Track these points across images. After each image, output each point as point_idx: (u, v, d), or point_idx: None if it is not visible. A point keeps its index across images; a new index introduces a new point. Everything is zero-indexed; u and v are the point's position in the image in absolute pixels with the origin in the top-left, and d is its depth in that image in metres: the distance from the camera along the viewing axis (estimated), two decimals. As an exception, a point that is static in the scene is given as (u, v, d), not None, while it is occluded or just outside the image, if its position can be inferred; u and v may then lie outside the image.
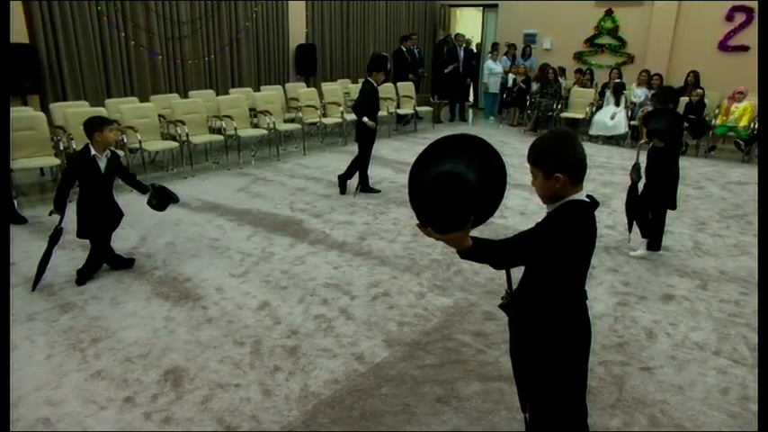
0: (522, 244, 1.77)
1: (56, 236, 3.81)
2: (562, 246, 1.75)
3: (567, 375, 1.93)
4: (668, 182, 4.45)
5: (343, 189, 6.22)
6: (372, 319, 3.52)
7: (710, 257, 4.60)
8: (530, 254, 1.79)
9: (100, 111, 6.42)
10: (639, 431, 2.57)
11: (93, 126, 3.74)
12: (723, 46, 9.74)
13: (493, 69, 11.23)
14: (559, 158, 1.74)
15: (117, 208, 4.02)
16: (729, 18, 9.61)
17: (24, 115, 5.92)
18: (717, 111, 8.66)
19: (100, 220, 3.91)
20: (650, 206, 4.56)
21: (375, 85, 5.89)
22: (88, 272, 3.97)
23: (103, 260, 4.07)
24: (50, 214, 3.81)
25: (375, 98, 6.01)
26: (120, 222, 4.06)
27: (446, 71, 10.74)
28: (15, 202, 5.31)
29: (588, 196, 1.80)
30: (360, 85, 9.95)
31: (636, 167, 4.51)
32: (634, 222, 4.63)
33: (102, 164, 3.80)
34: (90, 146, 3.76)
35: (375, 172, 7.17)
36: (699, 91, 8.58)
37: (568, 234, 1.75)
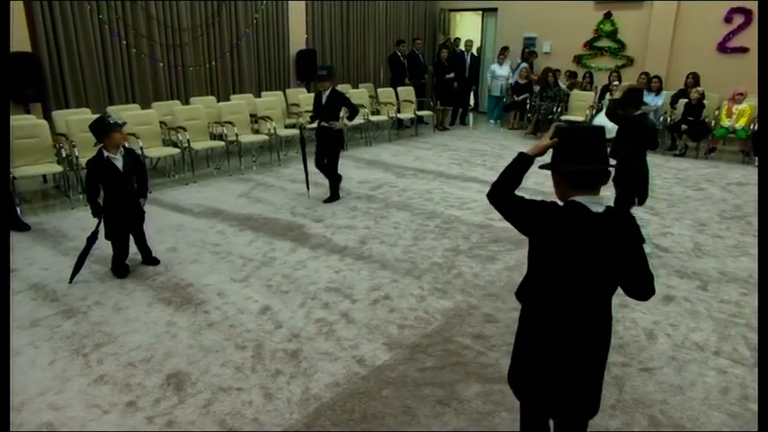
0: (519, 199, 1.88)
1: (92, 237, 4.03)
2: (542, 209, 1.81)
3: (524, 371, 1.99)
4: (637, 183, 4.56)
5: (335, 195, 6.19)
6: (373, 323, 3.53)
7: (711, 258, 4.60)
8: (514, 208, 1.88)
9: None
10: (639, 431, 2.58)
11: (98, 133, 3.84)
12: (722, 48, 9.76)
13: (495, 72, 11.28)
14: (559, 152, 1.84)
15: (139, 207, 4.15)
16: (728, 20, 9.64)
17: (27, 123, 5.97)
18: (717, 112, 8.68)
19: (124, 221, 4.04)
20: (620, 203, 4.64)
21: (320, 90, 5.96)
22: (118, 264, 4.15)
23: (124, 256, 4.16)
24: (94, 216, 4.02)
25: (316, 103, 6.03)
26: (141, 222, 4.21)
27: (447, 77, 10.75)
28: (18, 209, 5.34)
29: (609, 207, 1.80)
30: (360, 90, 10.09)
31: None
32: None
33: (120, 163, 3.89)
34: (102, 149, 3.86)
35: (375, 176, 7.22)
36: (699, 89, 8.59)
37: (547, 208, 1.81)
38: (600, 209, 1.79)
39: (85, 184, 4.01)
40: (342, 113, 5.87)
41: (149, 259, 4.36)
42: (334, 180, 6.16)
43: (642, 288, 1.83)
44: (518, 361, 2.01)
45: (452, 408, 2.73)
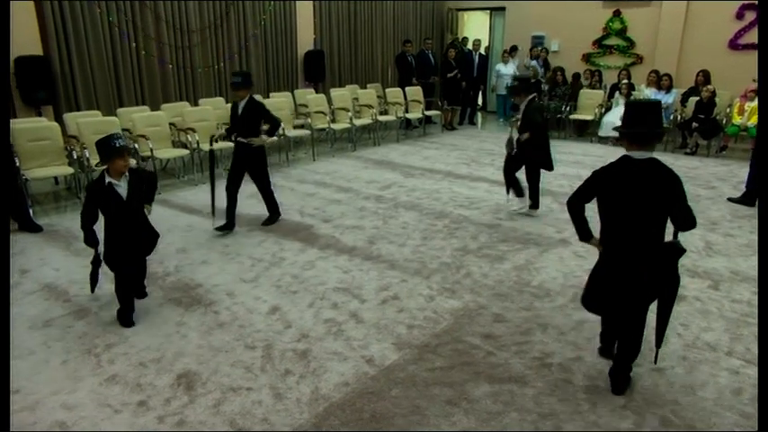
0: (584, 195, 2.78)
1: (96, 261, 3.55)
2: (592, 179, 2.71)
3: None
4: (537, 165, 5.41)
5: (275, 215, 5.46)
6: (382, 323, 3.53)
7: (722, 257, 4.56)
8: (589, 199, 2.78)
9: (112, 120, 6.53)
10: (650, 431, 2.57)
11: (102, 154, 3.32)
12: (733, 44, 9.68)
13: (500, 71, 11.24)
14: (623, 122, 2.62)
15: (149, 232, 3.60)
16: (739, 16, 9.55)
17: (39, 125, 6.03)
18: (728, 110, 8.60)
19: (128, 249, 3.49)
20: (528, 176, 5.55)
21: (236, 101, 5.10)
22: (123, 309, 3.56)
23: (130, 290, 3.59)
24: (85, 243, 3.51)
25: (232, 115, 5.17)
26: (153, 247, 3.68)
27: (449, 76, 10.72)
28: (31, 210, 5.40)
29: (650, 158, 2.53)
30: (367, 91, 10.08)
31: (509, 141, 5.53)
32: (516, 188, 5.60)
33: (123, 190, 3.37)
34: (105, 172, 3.37)
35: (384, 176, 7.22)
36: (710, 87, 8.52)
37: (594, 174, 2.70)
38: (642, 157, 2.53)
39: (82, 208, 3.44)
40: (262, 127, 5.15)
41: (139, 292, 3.75)
42: (271, 201, 5.41)
43: (684, 220, 2.57)
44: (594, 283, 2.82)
45: (462, 408, 2.72)
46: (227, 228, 5.15)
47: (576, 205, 2.78)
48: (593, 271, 2.83)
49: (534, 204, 5.58)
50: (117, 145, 3.31)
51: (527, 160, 5.43)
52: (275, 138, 5.27)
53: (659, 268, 2.60)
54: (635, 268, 2.60)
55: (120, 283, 3.53)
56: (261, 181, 5.29)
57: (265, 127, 5.16)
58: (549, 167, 5.45)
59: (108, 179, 3.35)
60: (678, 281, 2.65)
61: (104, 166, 3.36)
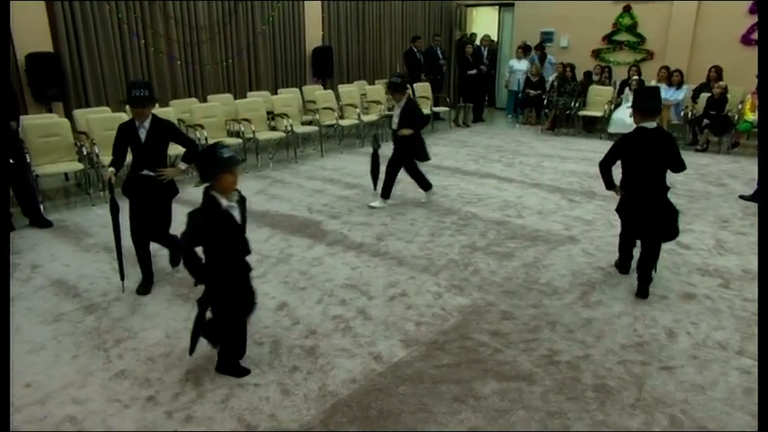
0: (613, 158, 3.84)
1: (205, 301, 2.80)
2: (617, 147, 3.77)
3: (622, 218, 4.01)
4: (412, 156, 5.76)
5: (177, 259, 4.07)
6: (390, 319, 3.53)
7: (733, 255, 4.51)
8: (615, 161, 3.83)
9: (121, 117, 6.55)
10: (660, 431, 2.55)
11: (207, 169, 2.61)
12: (746, 40, 9.55)
13: (513, 67, 11.20)
14: (636, 101, 3.70)
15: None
16: (753, 11, 9.42)
17: (49, 122, 6.07)
18: (740, 106, 8.50)
19: (242, 291, 2.86)
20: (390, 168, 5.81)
21: (132, 120, 3.80)
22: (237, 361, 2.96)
23: (242, 349, 2.99)
24: (195, 285, 2.80)
25: (124, 139, 3.78)
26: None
27: (469, 73, 10.68)
28: (41, 206, 5.44)
29: (657, 127, 3.61)
30: (375, 87, 10.05)
31: (375, 138, 5.87)
32: (382, 183, 5.85)
33: (237, 213, 2.70)
34: (214, 193, 2.61)
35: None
36: (721, 83, 8.42)
37: (619, 142, 3.79)
38: (652, 126, 3.57)
39: (186, 238, 2.65)
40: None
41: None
42: (171, 244, 4.03)
43: (679, 167, 3.61)
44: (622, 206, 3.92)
45: (469, 405, 2.72)
46: (147, 285, 3.94)
47: (606, 166, 3.82)
48: (618, 204, 3.95)
49: (386, 194, 5.84)
50: (225, 155, 2.56)
51: (406, 153, 5.72)
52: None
53: (659, 202, 3.67)
54: (647, 203, 3.68)
55: (234, 338, 2.87)
56: (165, 220, 3.92)
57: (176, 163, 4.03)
58: (423, 159, 5.84)
59: (225, 203, 2.62)
60: (677, 210, 3.75)
61: (206, 184, 2.63)
